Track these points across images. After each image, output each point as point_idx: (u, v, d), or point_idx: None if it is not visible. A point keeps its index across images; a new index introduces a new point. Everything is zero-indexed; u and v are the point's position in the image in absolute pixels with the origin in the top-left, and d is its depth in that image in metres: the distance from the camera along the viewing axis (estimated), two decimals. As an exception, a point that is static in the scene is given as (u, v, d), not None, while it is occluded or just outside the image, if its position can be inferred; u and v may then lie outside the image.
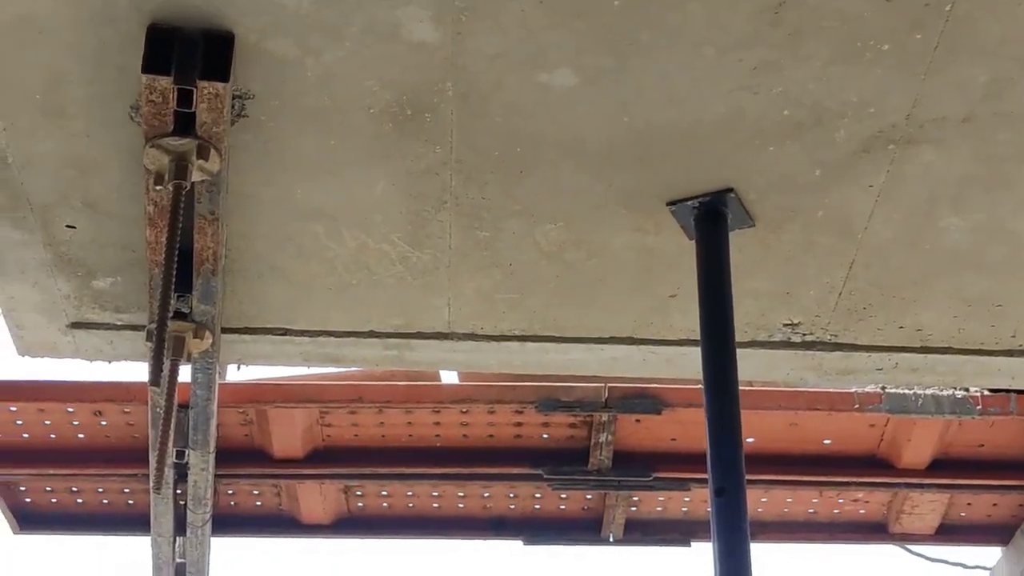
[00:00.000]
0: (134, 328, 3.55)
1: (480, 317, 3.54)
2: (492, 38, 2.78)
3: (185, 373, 3.55)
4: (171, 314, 3.16)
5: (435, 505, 5.40)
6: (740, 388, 3.10)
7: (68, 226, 3.24)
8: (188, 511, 4.71)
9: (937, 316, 3.54)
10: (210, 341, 3.38)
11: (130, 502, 5.33)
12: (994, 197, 3.17)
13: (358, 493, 5.35)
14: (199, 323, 3.33)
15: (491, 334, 3.60)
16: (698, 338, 3.16)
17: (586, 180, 3.12)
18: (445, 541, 5.63)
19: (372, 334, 3.60)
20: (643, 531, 5.47)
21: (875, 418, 5.07)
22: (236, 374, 5.08)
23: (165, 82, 2.72)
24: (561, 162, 3.07)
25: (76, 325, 3.56)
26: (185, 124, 2.82)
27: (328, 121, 2.96)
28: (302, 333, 3.60)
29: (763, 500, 5.40)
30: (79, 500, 5.34)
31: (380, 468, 5.13)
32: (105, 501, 5.35)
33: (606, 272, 3.40)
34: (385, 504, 5.40)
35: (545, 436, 5.09)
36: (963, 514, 5.52)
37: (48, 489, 5.29)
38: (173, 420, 3.26)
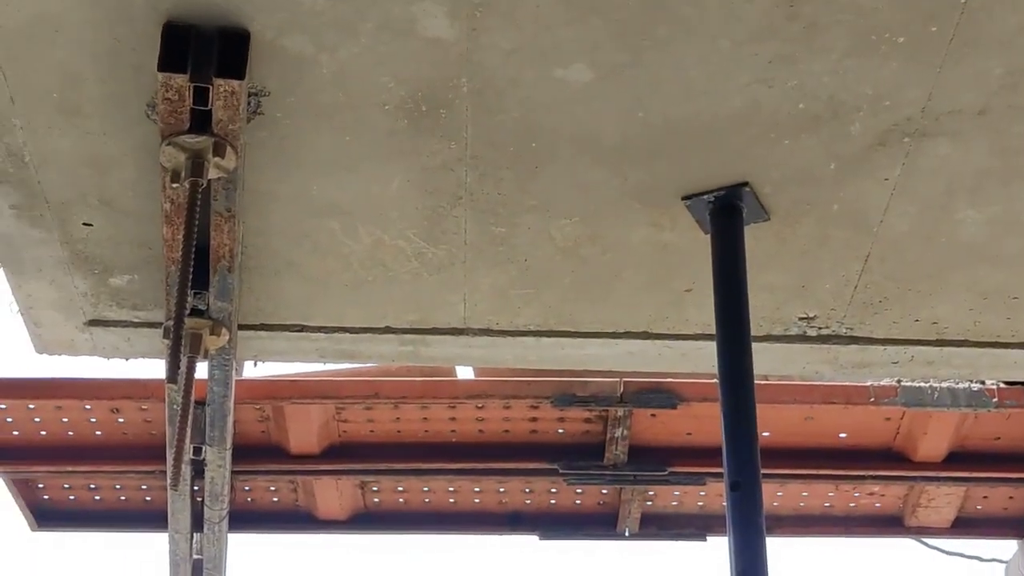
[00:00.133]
0: (151, 325, 3.57)
1: (496, 312, 3.54)
2: (507, 34, 2.78)
3: (202, 370, 3.56)
4: (188, 311, 3.17)
5: (451, 500, 5.40)
6: (755, 382, 3.10)
7: (85, 224, 3.25)
8: (205, 507, 4.72)
9: (953, 309, 3.54)
10: (227, 338, 3.39)
11: (147, 499, 5.34)
12: (1010, 190, 3.17)
13: (374, 489, 5.36)
14: (216, 320, 3.34)
15: (506, 329, 3.60)
16: (713, 332, 3.16)
17: (601, 175, 3.13)
18: (461, 536, 5.64)
19: (388, 330, 3.60)
20: (659, 525, 5.46)
21: (891, 411, 5.06)
22: (253, 370, 5.09)
23: (181, 80, 2.73)
24: (576, 157, 3.08)
25: (93, 323, 3.57)
26: (201, 122, 2.83)
27: (343, 118, 2.97)
28: (318, 329, 3.61)
29: (779, 494, 5.39)
30: (97, 497, 5.35)
31: (396, 464, 5.13)
32: (123, 498, 5.36)
33: (621, 267, 3.40)
34: (401, 500, 5.41)
35: (561, 431, 5.09)
36: (979, 507, 5.50)
37: (66, 486, 5.31)
38: (190, 417, 3.27)
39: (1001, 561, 5.91)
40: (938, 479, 5.25)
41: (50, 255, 3.34)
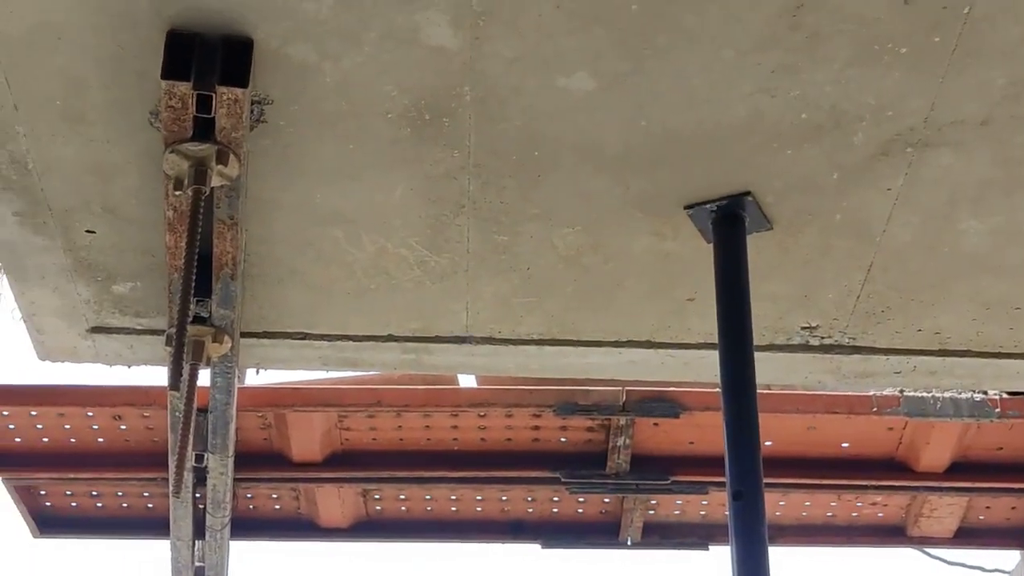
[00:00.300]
0: (153, 332, 3.57)
1: (498, 321, 3.54)
2: (510, 42, 2.79)
3: (204, 377, 3.56)
4: (190, 318, 3.17)
5: (453, 509, 5.40)
6: (758, 391, 3.10)
7: (88, 231, 3.26)
8: (207, 515, 4.72)
9: (956, 319, 3.53)
10: (229, 345, 3.39)
11: (149, 506, 5.34)
12: (1013, 200, 3.17)
13: (376, 497, 5.36)
14: (218, 327, 3.34)
15: (509, 338, 3.61)
16: (716, 341, 3.16)
17: (604, 184, 3.13)
18: (463, 545, 5.64)
19: (390, 338, 3.60)
20: (661, 535, 5.46)
21: (893, 421, 5.06)
22: (255, 378, 5.10)
23: (184, 88, 2.73)
24: (579, 166, 3.08)
25: (96, 330, 3.57)
26: (204, 129, 2.83)
27: (347, 126, 2.97)
28: (321, 337, 3.61)
29: (781, 503, 5.39)
30: (99, 504, 5.36)
31: (398, 472, 5.14)
32: (124, 505, 5.36)
33: (624, 276, 3.40)
34: (403, 508, 5.41)
35: (563, 440, 5.09)
36: (982, 517, 5.50)
37: (68, 493, 5.31)
38: (192, 424, 3.27)
39: (1004, 572, 5.91)
40: (941, 489, 5.25)
41: (53, 262, 3.35)
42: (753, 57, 2.82)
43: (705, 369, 3.70)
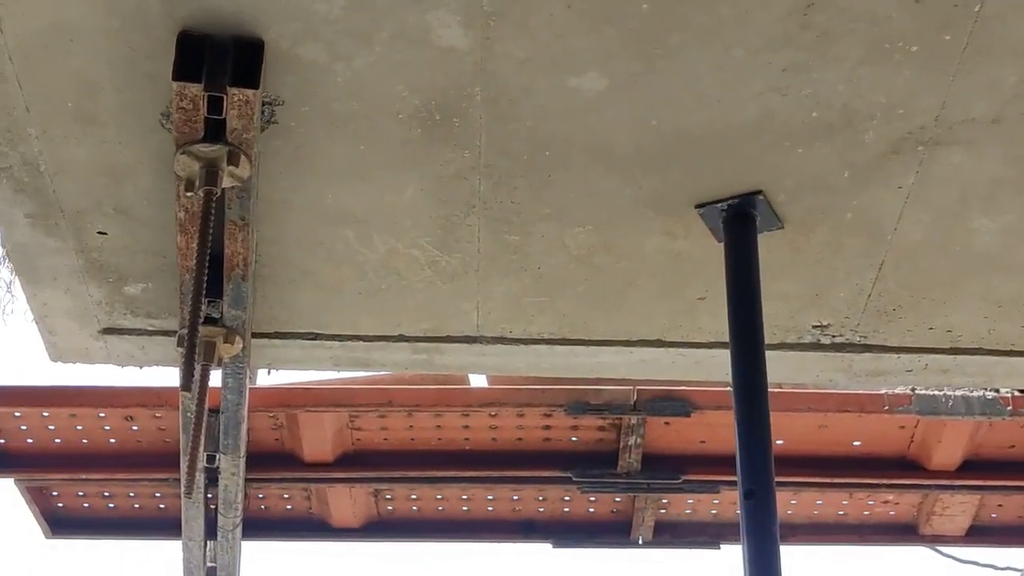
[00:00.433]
0: (165, 333, 3.57)
1: (509, 321, 3.54)
2: (521, 42, 2.79)
3: (216, 378, 3.56)
4: (202, 319, 3.18)
5: (464, 508, 5.40)
6: (769, 390, 3.10)
7: (100, 232, 3.26)
8: (219, 515, 4.73)
9: (967, 317, 3.53)
10: (241, 346, 3.40)
11: (161, 506, 5.35)
12: (1024, 198, 3.17)
13: (388, 497, 5.36)
14: (230, 328, 3.35)
15: (520, 337, 3.61)
16: (727, 340, 3.16)
17: (615, 184, 3.13)
18: (474, 544, 5.64)
19: (402, 338, 3.61)
20: (672, 534, 5.46)
21: (905, 419, 5.05)
22: (266, 378, 5.10)
23: (195, 89, 2.74)
24: (590, 166, 3.08)
25: (108, 331, 3.58)
26: (215, 131, 2.84)
27: (357, 126, 2.97)
28: (332, 337, 3.61)
29: (792, 502, 5.39)
30: (111, 505, 5.37)
31: (410, 471, 5.14)
32: (136, 505, 5.37)
33: (635, 275, 3.40)
34: (415, 507, 5.41)
35: (574, 439, 5.09)
36: (994, 515, 5.49)
37: (80, 494, 5.32)
38: (204, 425, 3.27)
39: (1016, 569, 5.90)
40: (952, 487, 5.24)
41: (65, 264, 3.35)
42: (764, 56, 2.82)
43: (716, 368, 3.70)
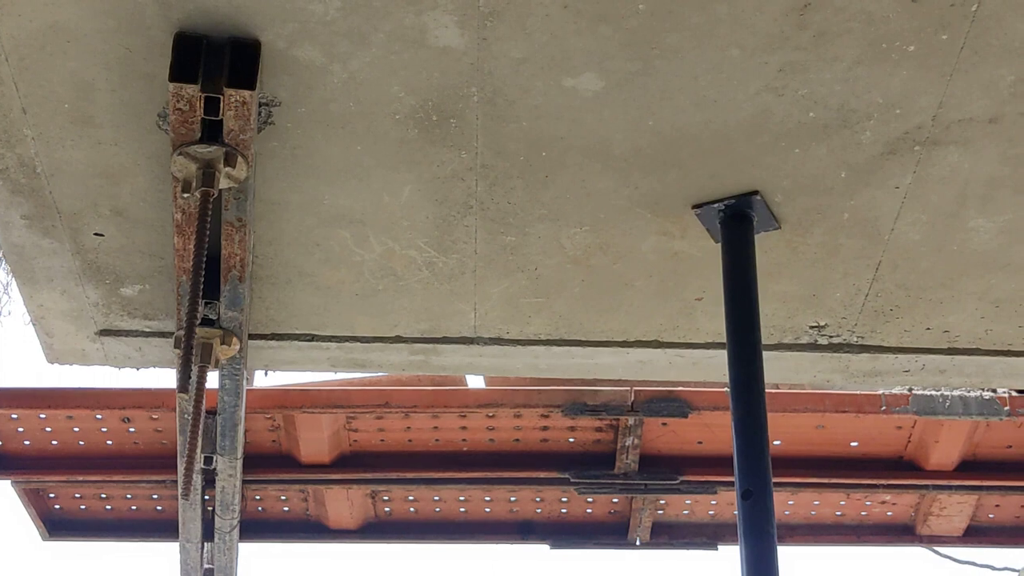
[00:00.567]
0: (162, 335, 3.57)
1: (506, 321, 3.54)
2: (517, 43, 2.79)
3: (213, 379, 3.56)
4: (199, 321, 3.17)
5: (462, 509, 5.40)
6: (766, 391, 3.10)
7: (96, 234, 3.26)
8: (216, 517, 4.73)
9: (964, 317, 3.53)
10: (238, 347, 3.40)
11: (159, 508, 5.35)
12: (1022, 198, 3.17)
13: (385, 498, 5.36)
14: (227, 329, 3.35)
15: (517, 338, 3.61)
16: (724, 341, 3.16)
17: (612, 184, 3.13)
18: (472, 546, 5.64)
19: (399, 339, 3.61)
20: (670, 535, 5.46)
21: (902, 420, 5.05)
22: (263, 380, 5.10)
23: (192, 90, 2.74)
24: (586, 166, 3.08)
25: (104, 332, 3.58)
26: (212, 132, 2.84)
27: (354, 127, 2.97)
28: (329, 339, 3.61)
29: (790, 503, 5.39)
30: (108, 507, 5.36)
31: (407, 473, 5.14)
32: (134, 507, 5.37)
33: (632, 276, 3.40)
34: (412, 509, 5.41)
35: (571, 440, 5.09)
36: (991, 515, 5.49)
37: (77, 496, 5.31)
38: (201, 426, 3.27)
39: (1013, 570, 5.90)
40: (950, 487, 5.24)
41: (61, 265, 3.35)
42: (761, 56, 2.82)
43: (714, 369, 3.70)
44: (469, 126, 2.97)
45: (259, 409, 4.91)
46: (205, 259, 2.96)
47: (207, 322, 3.33)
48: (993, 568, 5.98)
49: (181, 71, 2.73)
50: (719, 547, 5.47)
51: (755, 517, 2.90)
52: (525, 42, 2.78)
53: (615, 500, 5.33)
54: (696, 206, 3.18)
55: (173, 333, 3.42)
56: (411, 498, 5.36)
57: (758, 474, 2.95)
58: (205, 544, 4.90)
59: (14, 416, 4.99)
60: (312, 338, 3.61)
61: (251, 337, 3.54)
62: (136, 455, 5.09)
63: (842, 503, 5.42)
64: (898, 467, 5.22)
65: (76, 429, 5.03)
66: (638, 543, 5.44)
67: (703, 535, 5.46)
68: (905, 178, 3.11)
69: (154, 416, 4.97)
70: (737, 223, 3.18)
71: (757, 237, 3.21)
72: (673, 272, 3.39)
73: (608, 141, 3.02)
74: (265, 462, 5.10)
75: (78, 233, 3.26)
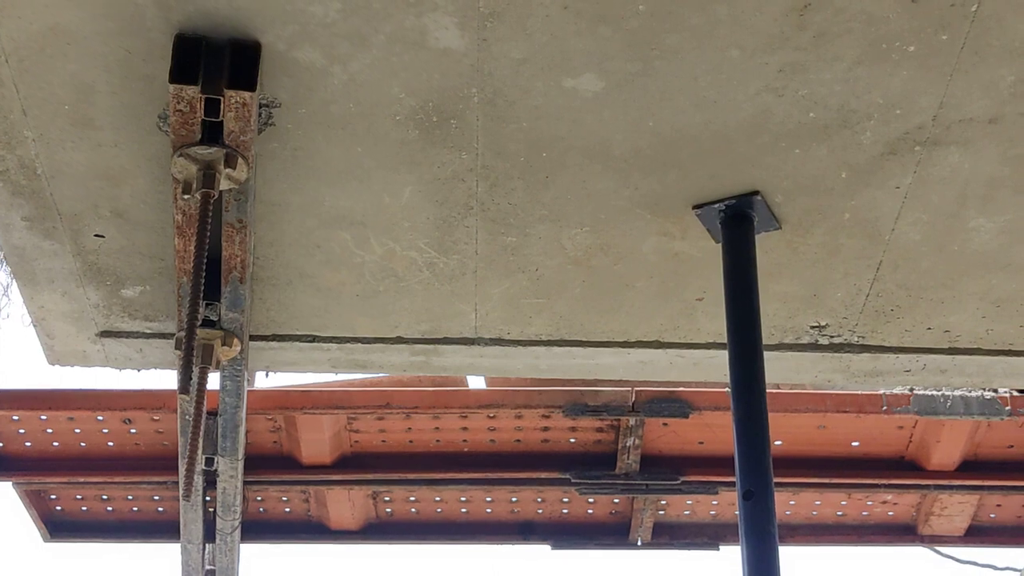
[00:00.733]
0: (163, 336, 3.57)
1: (507, 322, 3.55)
2: (517, 44, 2.79)
3: (214, 380, 3.56)
4: (200, 322, 3.18)
5: (463, 510, 5.40)
6: (767, 391, 3.10)
7: (97, 235, 3.26)
8: (217, 518, 4.73)
9: (965, 317, 3.53)
10: (238, 348, 3.40)
11: (160, 509, 5.35)
12: (1022, 198, 3.17)
13: (386, 499, 5.36)
14: (227, 331, 3.35)
15: (518, 339, 3.61)
16: (725, 341, 3.16)
17: (612, 184, 3.13)
18: (473, 546, 5.63)
19: (399, 340, 3.61)
20: (671, 535, 5.46)
21: (903, 420, 5.05)
22: (264, 381, 5.10)
23: (192, 92, 2.74)
24: (587, 167, 3.08)
25: (105, 334, 3.58)
26: (213, 133, 2.84)
27: (355, 128, 2.97)
28: (330, 340, 3.61)
29: (791, 503, 5.39)
30: (109, 508, 5.36)
31: (408, 473, 5.14)
32: (135, 509, 5.37)
33: (633, 276, 3.40)
34: (413, 509, 5.41)
35: (572, 440, 5.09)
36: (993, 515, 5.49)
37: (78, 497, 5.32)
38: (202, 427, 3.27)
39: (1015, 570, 5.90)
40: (951, 487, 5.24)
41: (62, 267, 3.35)
42: (761, 57, 2.82)
43: (714, 369, 3.70)
44: (469, 127, 2.97)
45: (260, 410, 4.91)
46: (206, 260, 2.96)
47: (208, 323, 3.33)
48: (995, 568, 5.98)
49: (181, 73, 2.73)
50: (720, 547, 5.47)
51: (756, 517, 2.90)
52: (525, 43, 2.78)
53: (616, 500, 5.33)
54: (696, 206, 3.18)
55: (174, 334, 3.42)
56: (412, 499, 5.36)
57: (759, 474, 2.95)
58: (206, 545, 4.91)
59: (15, 417, 4.99)
60: (313, 339, 3.61)
61: (252, 338, 3.54)
62: (137, 456, 5.10)
63: (843, 503, 5.42)
64: (899, 467, 5.22)
65: (77, 430, 5.03)
66: (639, 543, 5.44)
67: (704, 535, 5.46)
68: (905, 178, 3.11)
69: (155, 417, 4.97)
70: (738, 223, 3.18)
71: (758, 237, 3.21)
72: (674, 272, 3.39)
73: (608, 142, 3.02)
74: (266, 463, 5.11)
75: (79, 235, 3.26)
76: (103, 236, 3.27)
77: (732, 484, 3.16)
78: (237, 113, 2.79)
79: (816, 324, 3.56)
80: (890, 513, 5.48)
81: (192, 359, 3.05)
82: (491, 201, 3.17)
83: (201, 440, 3.37)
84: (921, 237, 3.27)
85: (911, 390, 4.94)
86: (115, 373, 3.81)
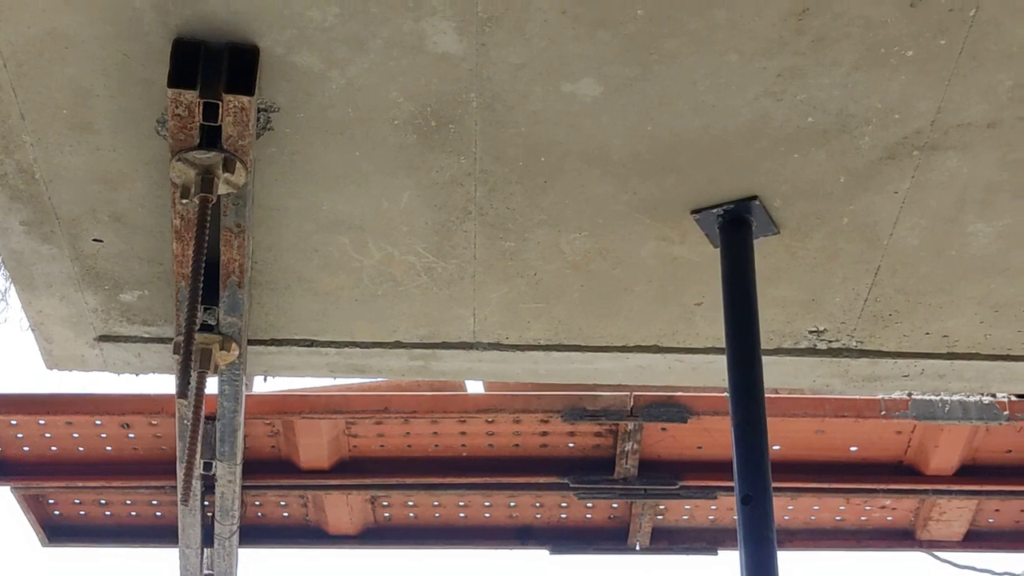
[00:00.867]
0: (161, 341, 3.57)
1: (505, 327, 3.54)
2: (516, 48, 2.79)
3: (212, 385, 3.56)
4: (198, 326, 3.17)
5: (461, 515, 5.40)
6: (766, 395, 3.09)
7: (95, 240, 3.26)
8: (216, 523, 4.73)
9: (964, 322, 3.53)
10: (237, 353, 3.39)
11: (158, 514, 5.34)
12: (1020, 203, 3.17)
13: (384, 503, 5.36)
14: (226, 335, 3.35)
15: (516, 343, 3.61)
16: (724, 346, 3.16)
17: (611, 189, 3.13)
18: (471, 551, 5.63)
19: (398, 344, 3.60)
20: (670, 540, 5.46)
21: (902, 424, 5.05)
22: (263, 385, 5.10)
23: (191, 96, 2.74)
24: (585, 171, 3.08)
25: (104, 338, 3.58)
26: (211, 137, 2.84)
27: (353, 133, 2.97)
28: (328, 344, 3.61)
29: (790, 508, 5.38)
30: (107, 512, 5.36)
31: (406, 478, 5.13)
32: (133, 513, 5.37)
33: (631, 281, 3.40)
34: (411, 514, 5.41)
35: (571, 445, 5.08)
36: (991, 520, 5.49)
37: (76, 501, 5.31)
38: (200, 432, 3.27)
39: (1013, 574, 5.89)
40: (950, 492, 5.24)
41: (60, 271, 3.35)
42: (759, 61, 2.82)
43: (713, 373, 3.70)
44: (468, 132, 2.97)
45: (258, 415, 4.91)
46: (204, 265, 2.96)
47: (206, 328, 3.33)
48: (993, 573, 5.97)
49: (179, 77, 2.73)
50: (719, 552, 5.47)
51: (755, 522, 2.90)
52: (524, 48, 2.78)
53: (615, 505, 5.33)
54: (695, 211, 3.18)
55: (172, 339, 3.42)
56: (411, 503, 5.36)
57: (758, 479, 2.95)
58: (205, 550, 4.90)
59: (13, 422, 4.99)
60: (311, 343, 3.61)
61: (250, 343, 3.54)
62: (135, 461, 5.09)
63: (842, 508, 5.42)
64: (898, 472, 5.22)
65: (75, 435, 5.03)
66: (638, 548, 5.44)
67: (703, 540, 5.46)
68: (904, 183, 3.11)
69: (153, 422, 4.97)
70: (736, 228, 3.18)
71: (756, 242, 3.21)
72: (672, 277, 3.39)
73: (607, 146, 3.02)
74: (264, 468, 5.10)
75: (77, 239, 3.26)
76: (101, 240, 3.26)
77: (731, 489, 3.16)
78: (235, 117, 2.79)
79: (814, 329, 3.56)
80: (888, 518, 5.48)
81: (190, 363, 3.05)
82: (489, 206, 3.17)
83: (199, 445, 3.36)
84: (919, 242, 3.27)
85: (909, 395, 4.94)
86: (113, 378, 3.82)
